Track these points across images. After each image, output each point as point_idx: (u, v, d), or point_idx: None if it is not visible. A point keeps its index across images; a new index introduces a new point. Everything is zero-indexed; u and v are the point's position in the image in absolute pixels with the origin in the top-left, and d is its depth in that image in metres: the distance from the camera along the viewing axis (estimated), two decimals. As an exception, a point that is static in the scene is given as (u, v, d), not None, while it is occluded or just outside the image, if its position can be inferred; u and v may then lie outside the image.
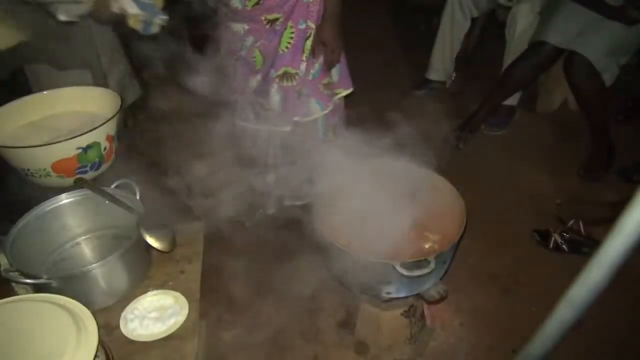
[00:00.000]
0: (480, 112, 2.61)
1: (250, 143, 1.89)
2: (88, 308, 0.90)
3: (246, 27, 1.66)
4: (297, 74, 1.71)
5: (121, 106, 1.46)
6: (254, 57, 1.71)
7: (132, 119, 2.38)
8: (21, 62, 1.74)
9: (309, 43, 1.69)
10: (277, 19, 1.63)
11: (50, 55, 1.76)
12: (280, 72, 1.71)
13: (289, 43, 1.67)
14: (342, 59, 1.85)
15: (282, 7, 1.61)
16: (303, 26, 1.66)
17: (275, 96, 1.74)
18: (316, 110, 1.85)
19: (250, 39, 1.68)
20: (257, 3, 1.61)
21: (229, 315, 1.71)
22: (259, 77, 1.75)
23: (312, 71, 1.76)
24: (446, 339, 1.61)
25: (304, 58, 1.70)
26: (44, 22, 1.58)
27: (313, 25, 1.67)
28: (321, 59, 1.75)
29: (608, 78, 2.25)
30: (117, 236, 1.31)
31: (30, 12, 1.57)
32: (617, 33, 2.18)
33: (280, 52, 1.68)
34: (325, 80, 1.83)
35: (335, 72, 1.86)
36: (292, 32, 1.66)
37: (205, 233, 1.42)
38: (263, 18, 1.64)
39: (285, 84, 1.72)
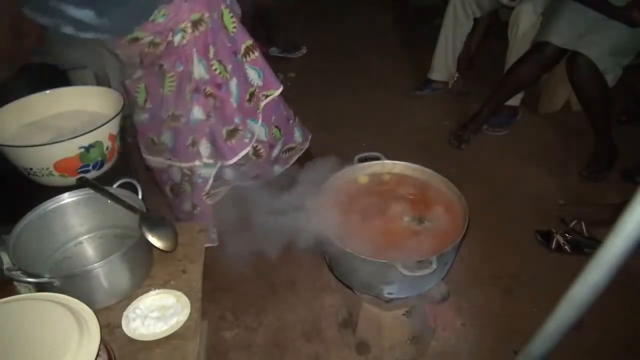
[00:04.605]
0: (482, 112, 2.61)
1: (156, 175, 1.91)
2: (90, 307, 0.91)
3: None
4: (181, 115, 1.69)
5: (124, 105, 1.46)
6: (137, 91, 1.70)
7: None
8: (24, 61, 1.74)
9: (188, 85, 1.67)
10: (162, 65, 1.62)
11: (52, 55, 1.77)
12: (169, 113, 1.69)
13: (171, 86, 1.65)
14: (262, 62, 1.81)
15: (162, 57, 1.60)
16: (181, 68, 1.63)
17: (165, 134, 1.73)
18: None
19: (139, 72, 1.67)
20: (141, 61, 1.62)
21: (230, 315, 1.71)
22: (145, 114, 1.74)
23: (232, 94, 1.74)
24: (448, 340, 1.61)
25: (187, 99, 1.67)
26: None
27: (191, 67, 1.63)
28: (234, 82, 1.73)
29: (611, 79, 2.24)
30: (119, 235, 1.31)
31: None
32: (620, 34, 2.17)
33: (165, 96, 1.67)
34: (246, 97, 1.80)
35: (256, 78, 1.81)
36: (172, 76, 1.64)
37: (206, 233, 1.42)
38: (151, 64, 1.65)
39: (172, 124, 1.71)
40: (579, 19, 2.23)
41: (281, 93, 1.90)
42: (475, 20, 2.92)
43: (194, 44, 1.59)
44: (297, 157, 2.11)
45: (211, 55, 1.64)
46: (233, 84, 1.72)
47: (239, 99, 1.75)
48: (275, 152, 1.99)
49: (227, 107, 1.72)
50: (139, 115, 1.75)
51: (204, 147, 1.74)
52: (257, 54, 1.79)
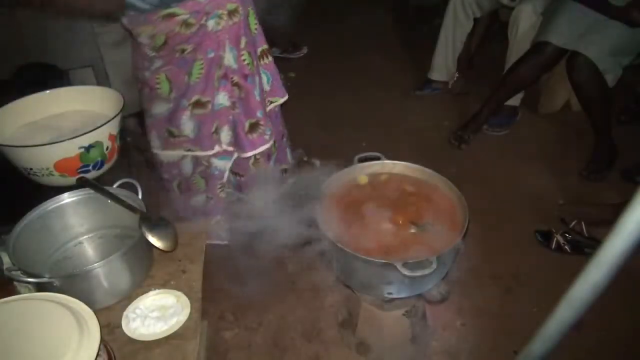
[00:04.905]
0: (482, 112, 2.61)
1: (165, 170, 1.88)
2: (90, 307, 0.91)
3: (156, 53, 1.63)
4: (209, 101, 1.69)
5: (124, 105, 1.46)
6: (158, 82, 1.66)
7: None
8: (23, 60, 1.74)
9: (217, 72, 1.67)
10: (185, 49, 1.60)
11: (52, 54, 1.76)
12: (193, 100, 1.68)
13: (200, 73, 1.64)
14: (274, 68, 1.85)
15: (189, 40, 1.59)
16: (212, 55, 1.62)
17: (187, 123, 1.71)
18: None
19: (158, 63, 1.64)
20: (165, 43, 1.58)
21: (230, 315, 1.71)
22: (169, 105, 1.71)
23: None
24: (448, 340, 1.61)
25: (215, 85, 1.67)
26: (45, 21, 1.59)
27: (222, 54, 1.64)
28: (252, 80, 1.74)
29: (611, 79, 2.24)
30: (119, 235, 1.31)
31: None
32: (620, 34, 2.17)
33: (192, 82, 1.65)
34: (264, 95, 1.82)
35: (265, 82, 1.84)
36: (202, 62, 1.63)
37: (206, 233, 1.42)
38: (173, 50, 1.62)
39: (197, 111, 1.70)
40: (579, 19, 2.23)
41: (281, 106, 1.93)
42: (475, 20, 2.92)
43: (228, 32, 1.61)
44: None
45: (242, 45, 1.67)
46: (257, 79, 1.75)
47: (260, 95, 1.77)
48: (270, 165, 1.99)
49: (252, 99, 1.74)
50: (160, 107, 1.72)
51: (225, 134, 1.75)
52: (270, 59, 1.83)
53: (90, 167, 1.39)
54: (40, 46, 1.73)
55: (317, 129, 2.69)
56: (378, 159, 1.54)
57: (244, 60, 1.68)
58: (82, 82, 1.86)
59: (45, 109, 1.57)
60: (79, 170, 1.37)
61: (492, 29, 3.17)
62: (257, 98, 1.75)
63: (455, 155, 2.56)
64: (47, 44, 1.73)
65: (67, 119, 1.56)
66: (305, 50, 3.77)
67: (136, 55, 1.68)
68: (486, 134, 2.70)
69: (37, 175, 1.36)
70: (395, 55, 3.72)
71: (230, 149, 1.78)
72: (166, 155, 1.82)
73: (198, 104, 1.68)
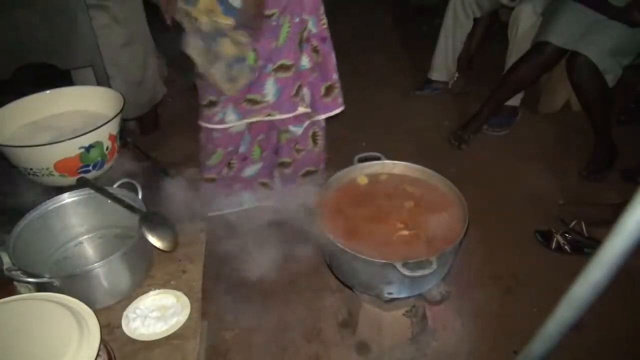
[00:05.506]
0: (482, 112, 2.61)
1: (229, 143, 1.93)
2: (90, 307, 0.91)
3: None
4: (293, 65, 1.76)
5: (124, 106, 1.46)
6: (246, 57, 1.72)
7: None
8: (23, 60, 1.74)
9: (301, 35, 1.76)
10: (273, 14, 1.65)
11: (52, 54, 1.76)
12: (278, 64, 1.74)
13: (286, 37, 1.71)
14: (332, 49, 1.90)
15: (279, 1, 1.64)
16: (297, 20, 1.71)
17: (270, 87, 1.77)
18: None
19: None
20: None
21: (230, 315, 1.71)
22: (253, 75, 1.75)
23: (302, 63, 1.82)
24: (448, 340, 1.61)
25: (298, 49, 1.76)
26: (45, 21, 1.59)
27: (306, 17, 1.73)
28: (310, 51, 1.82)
29: (611, 79, 2.24)
30: (119, 235, 1.31)
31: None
32: (620, 34, 2.17)
33: (279, 46, 1.72)
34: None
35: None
36: (289, 27, 1.70)
37: (207, 233, 1.42)
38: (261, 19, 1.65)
39: (281, 75, 1.76)
40: (579, 19, 2.23)
41: None
42: (475, 20, 2.92)
43: None
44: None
45: (321, 11, 1.79)
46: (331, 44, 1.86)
47: (334, 59, 1.88)
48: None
49: (329, 62, 1.86)
50: (246, 77, 1.74)
51: (307, 95, 1.85)
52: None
53: (90, 167, 1.39)
54: (40, 46, 1.72)
55: (317, 129, 2.69)
56: (378, 159, 1.54)
57: (323, 24, 1.80)
58: (82, 82, 1.85)
59: (45, 109, 1.57)
60: (79, 170, 1.38)
61: (492, 29, 3.17)
62: (334, 61, 1.86)
63: (455, 155, 2.56)
64: (47, 44, 1.73)
65: (67, 119, 1.56)
66: None
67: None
68: (486, 134, 2.70)
69: (37, 175, 1.36)
70: (395, 55, 3.71)
71: (309, 110, 1.87)
72: (238, 126, 1.87)
73: (282, 68, 1.75)
